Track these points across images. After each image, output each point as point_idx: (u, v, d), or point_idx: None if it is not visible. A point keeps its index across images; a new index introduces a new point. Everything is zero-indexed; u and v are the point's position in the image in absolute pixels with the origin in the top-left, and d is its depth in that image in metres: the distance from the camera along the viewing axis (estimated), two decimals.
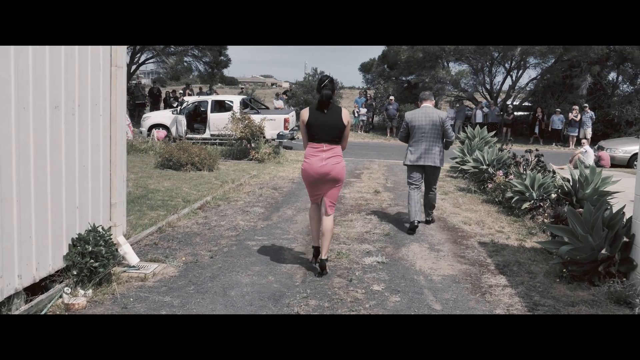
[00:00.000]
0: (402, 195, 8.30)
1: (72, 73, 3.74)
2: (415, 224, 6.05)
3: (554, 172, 7.61)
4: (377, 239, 5.73)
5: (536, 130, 20.23)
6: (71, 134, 3.80)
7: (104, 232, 4.15)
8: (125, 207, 4.65)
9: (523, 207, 6.83)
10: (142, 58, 21.69)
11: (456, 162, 10.91)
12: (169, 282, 4.28)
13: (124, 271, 4.40)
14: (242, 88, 26.27)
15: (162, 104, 21.63)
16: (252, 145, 11.95)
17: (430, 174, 6.20)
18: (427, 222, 6.49)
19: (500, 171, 8.30)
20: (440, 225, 6.47)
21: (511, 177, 7.97)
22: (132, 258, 4.50)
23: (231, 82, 61.28)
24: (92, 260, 3.93)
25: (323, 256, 4.53)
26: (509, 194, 7.30)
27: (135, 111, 20.78)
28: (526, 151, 8.66)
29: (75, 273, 3.88)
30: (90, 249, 3.93)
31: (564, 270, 4.49)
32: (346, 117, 4.51)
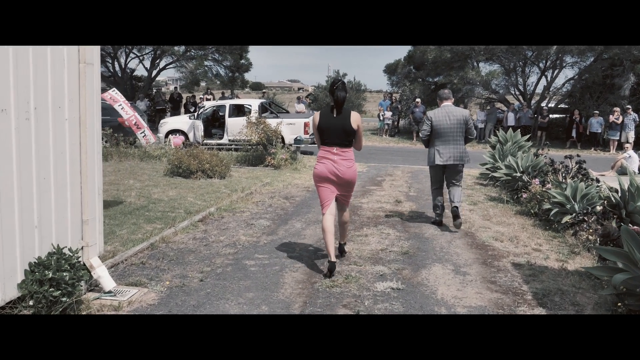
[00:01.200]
0: (425, 206, 7.56)
1: (24, 70, 3.18)
2: (442, 222, 6.40)
3: (598, 181, 6.74)
4: (393, 258, 5.02)
5: (573, 134, 19.05)
6: (26, 142, 3.24)
7: (70, 255, 3.58)
8: (101, 224, 4.08)
9: (563, 220, 6.00)
10: (162, 64, 21.47)
11: (486, 169, 10.07)
12: (144, 313, 3.68)
13: (97, 298, 3.83)
14: (263, 92, 25.83)
15: (182, 110, 21.34)
16: (268, 150, 11.38)
17: (455, 171, 6.16)
18: (454, 208, 6.01)
19: (537, 179, 7.46)
20: (468, 241, 5.71)
21: (549, 186, 7.14)
22: (108, 282, 3.93)
23: (258, 87, 61.70)
24: (52, 289, 3.36)
25: (342, 241, 5.02)
26: (546, 206, 6.48)
27: (156, 117, 20.57)
28: (566, 157, 7.80)
29: (31, 304, 3.32)
30: (50, 275, 3.36)
31: (619, 303, 3.70)
32: (356, 120, 4.50)
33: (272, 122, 12.14)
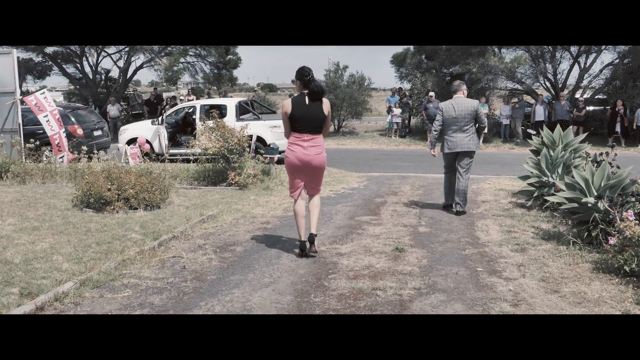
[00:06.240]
0: (445, 254, 4.67)
1: None
2: (453, 207, 6.55)
3: None
4: None
5: (617, 129, 15.89)
6: None
7: None
8: None
9: None
10: (139, 62, 18.76)
11: (529, 184, 7.11)
12: None
13: None
14: (255, 91, 23.04)
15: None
16: (231, 164, 8.54)
17: (464, 157, 6.39)
18: (458, 212, 6.35)
19: (630, 212, 4.48)
20: None
21: None
22: None
23: (271, 89, 60.10)
24: None
25: (313, 230, 4.75)
26: None
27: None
28: None
29: None
30: None
31: None
32: (327, 107, 4.60)
33: (238, 125, 9.31)
